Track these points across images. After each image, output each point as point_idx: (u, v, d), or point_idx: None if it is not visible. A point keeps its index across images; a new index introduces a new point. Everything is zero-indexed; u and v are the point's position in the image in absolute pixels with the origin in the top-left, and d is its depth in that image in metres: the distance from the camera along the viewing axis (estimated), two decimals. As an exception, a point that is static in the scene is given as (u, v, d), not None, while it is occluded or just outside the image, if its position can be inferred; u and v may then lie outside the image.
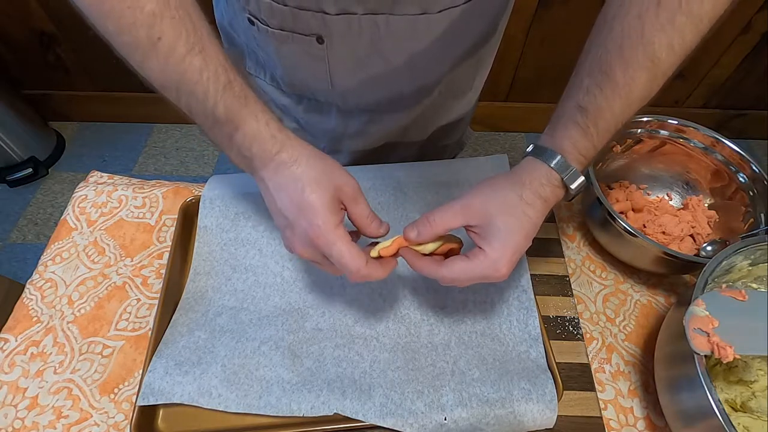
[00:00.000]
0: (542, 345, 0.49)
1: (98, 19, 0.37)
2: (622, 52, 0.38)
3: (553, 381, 0.46)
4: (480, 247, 0.41)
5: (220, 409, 0.45)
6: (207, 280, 0.55)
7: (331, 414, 0.45)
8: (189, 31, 0.37)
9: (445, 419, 0.44)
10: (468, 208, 0.41)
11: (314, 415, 0.45)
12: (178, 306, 0.52)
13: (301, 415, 0.45)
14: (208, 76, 0.38)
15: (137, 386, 0.48)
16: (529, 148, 0.44)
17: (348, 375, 0.47)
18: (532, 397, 0.44)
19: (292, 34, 0.53)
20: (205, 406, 0.45)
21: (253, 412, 0.45)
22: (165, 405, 0.47)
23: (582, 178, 0.41)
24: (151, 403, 0.45)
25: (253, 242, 0.56)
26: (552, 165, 0.41)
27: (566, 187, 0.41)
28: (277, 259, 0.56)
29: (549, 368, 0.47)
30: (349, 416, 0.44)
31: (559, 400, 0.45)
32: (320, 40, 0.52)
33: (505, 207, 0.41)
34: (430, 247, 0.43)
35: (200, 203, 0.58)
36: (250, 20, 0.54)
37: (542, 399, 0.44)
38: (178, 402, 0.45)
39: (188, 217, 0.59)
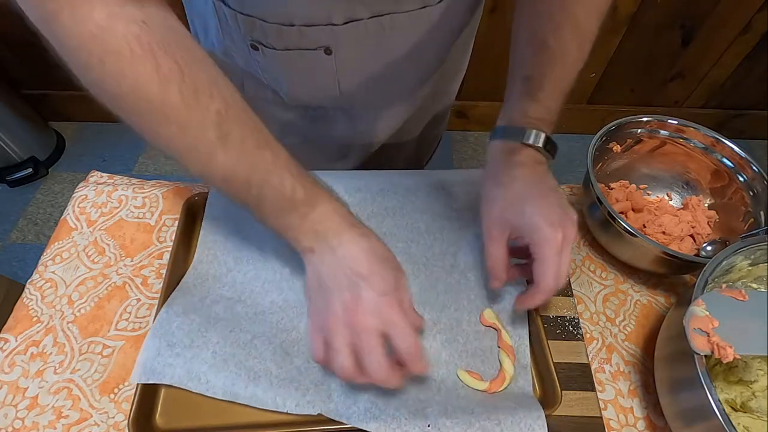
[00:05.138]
0: (530, 374, 0.49)
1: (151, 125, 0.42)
2: (551, 20, 0.45)
3: (540, 405, 0.45)
4: (533, 242, 0.43)
5: (208, 395, 0.45)
6: (209, 268, 0.55)
7: (315, 414, 0.45)
8: (254, 128, 0.40)
9: (429, 426, 0.44)
10: (496, 233, 0.46)
11: (298, 413, 0.45)
12: (176, 288, 0.52)
13: (285, 411, 0.45)
14: (281, 165, 0.41)
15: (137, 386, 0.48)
16: (493, 134, 0.49)
17: (335, 378, 0.47)
18: (518, 413, 0.44)
19: (299, 51, 0.52)
20: (192, 390, 0.46)
21: (238, 402, 0.45)
22: (163, 399, 0.47)
23: (543, 135, 0.46)
24: (143, 381, 0.45)
25: (259, 237, 0.56)
26: (515, 139, 0.47)
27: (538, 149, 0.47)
28: (279, 255, 0.56)
29: (548, 369, 0.48)
30: (333, 419, 0.44)
31: (557, 403, 0.45)
32: (328, 51, 0.52)
33: (520, 197, 0.45)
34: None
35: (209, 193, 0.59)
36: (253, 46, 0.53)
37: (529, 416, 0.44)
38: (169, 384, 0.46)
39: (190, 215, 0.59)
